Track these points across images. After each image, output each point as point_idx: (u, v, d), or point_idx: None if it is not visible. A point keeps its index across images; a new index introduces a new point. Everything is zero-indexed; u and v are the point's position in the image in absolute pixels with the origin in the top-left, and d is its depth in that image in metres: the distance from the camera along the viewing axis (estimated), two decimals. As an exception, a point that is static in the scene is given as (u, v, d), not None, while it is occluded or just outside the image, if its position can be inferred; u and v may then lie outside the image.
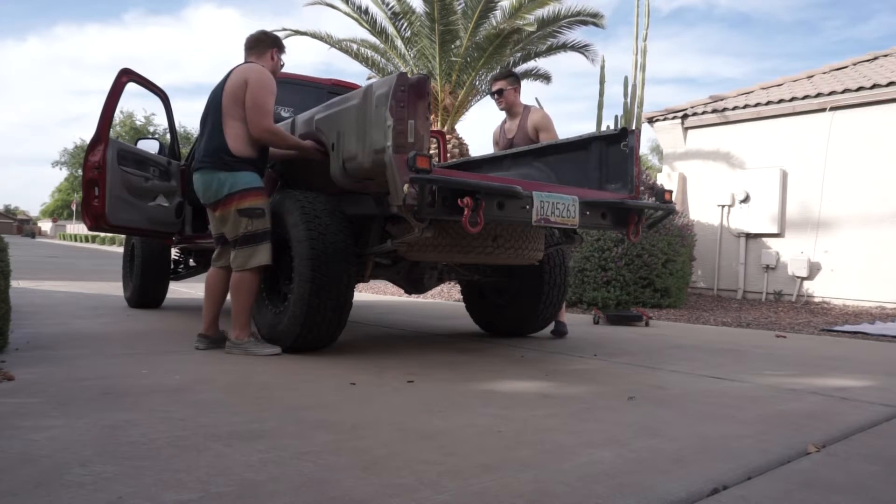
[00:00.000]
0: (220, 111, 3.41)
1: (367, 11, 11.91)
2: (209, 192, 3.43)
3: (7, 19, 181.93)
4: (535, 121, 4.53)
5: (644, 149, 38.01)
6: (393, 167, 2.77)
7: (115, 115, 5.23)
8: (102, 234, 36.99)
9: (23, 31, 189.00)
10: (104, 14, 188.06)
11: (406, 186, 2.72)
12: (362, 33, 12.57)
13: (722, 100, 9.80)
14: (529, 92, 16.38)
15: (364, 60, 12.54)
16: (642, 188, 4.19)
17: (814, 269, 8.45)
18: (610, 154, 3.80)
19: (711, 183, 9.40)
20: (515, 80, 4.70)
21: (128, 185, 4.99)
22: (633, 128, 3.80)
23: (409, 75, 2.89)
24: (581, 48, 11.95)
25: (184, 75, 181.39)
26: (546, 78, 12.83)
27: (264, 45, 3.60)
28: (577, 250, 7.28)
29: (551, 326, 4.61)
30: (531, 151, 4.29)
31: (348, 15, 11.96)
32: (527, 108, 4.64)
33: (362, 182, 3.19)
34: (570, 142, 4.04)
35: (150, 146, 5.51)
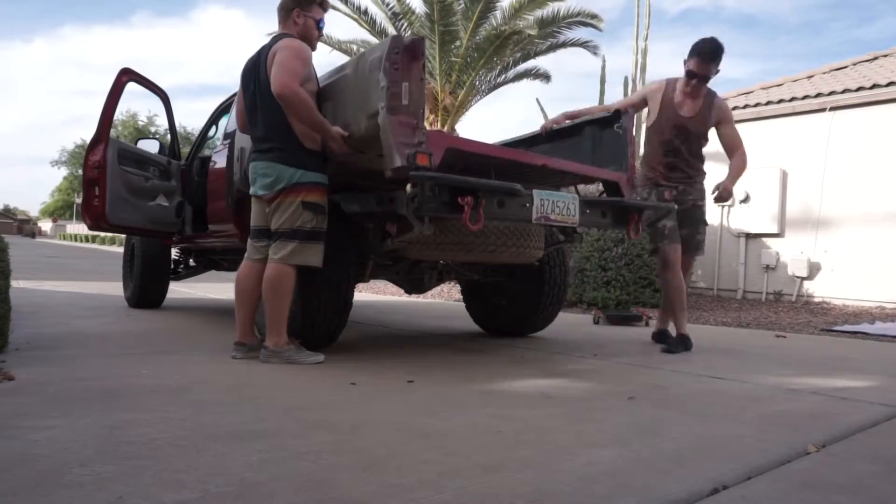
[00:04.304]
0: (271, 98, 3.05)
1: (366, 12, 11.92)
2: (276, 182, 3.09)
3: (13, 20, 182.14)
4: (721, 113, 4.08)
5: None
6: (387, 129, 2.69)
7: (117, 115, 5.23)
8: (102, 234, 36.99)
9: (29, 33, 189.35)
10: (111, 16, 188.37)
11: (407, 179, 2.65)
12: (363, 34, 12.58)
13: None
14: (529, 92, 16.38)
15: (364, 61, 12.52)
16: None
17: (814, 269, 8.45)
18: (604, 137, 3.79)
19: (711, 183, 9.38)
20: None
21: (128, 185, 5.00)
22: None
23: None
24: (583, 43, 11.92)
25: (189, 76, 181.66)
26: (546, 77, 12.82)
27: (286, 12, 3.24)
28: (577, 250, 7.27)
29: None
30: (523, 141, 4.28)
31: (348, 15, 11.96)
32: (711, 93, 4.08)
33: (355, 154, 3.13)
34: (562, 129, 4.04)
35: (150, 146, 5.52)
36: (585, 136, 3.87)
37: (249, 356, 3.22)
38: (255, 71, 3.20)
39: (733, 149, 4.12)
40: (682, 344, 3.99)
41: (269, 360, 3.12)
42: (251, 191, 3.27)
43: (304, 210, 3.08)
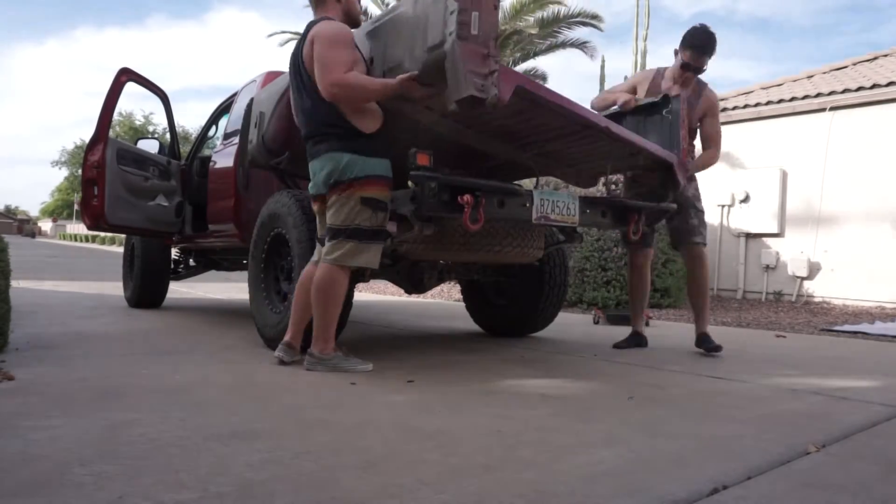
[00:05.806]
0: (314, 89, 2.84)
1: (365, 12, 11.94)
2: (332, 173, 2.82)
3: (25, 22, 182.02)
4: (707, 104, 3.99)
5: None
6: (455, 56, 2.42)
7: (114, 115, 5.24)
8: (102, 234, 36.99)
9: (41, 35, 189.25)
10: (126, 18, 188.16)
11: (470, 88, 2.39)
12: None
13: (722, 100, 9.79)
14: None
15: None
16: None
17: (814, 269, 8.45)
18: (648, 125, 3.63)
19: (711, 183, 9.37)
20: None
21: (127, 185, 5.01)
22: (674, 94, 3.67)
23: None
24: (581, 44, 11.97)
25: (203, 78, 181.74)
26: (542, 79, 12.85)
27: None
28: (577, 250, 7.27)
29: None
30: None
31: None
32: (701, 83, 4.03)
33: (397, 103, 2.90)
34: (607, 115, 3.90)
35: (149, 146, 5.53)
36: (626, 124, 3.62)
37: (297, 361, 3.07)
38: (296, 62, 2.96)
39: (710, 142, 4.03)
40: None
41: (315, 368, 2.93)
42: (311, 192, 3.01)
43: (362, 207, 2.81)
